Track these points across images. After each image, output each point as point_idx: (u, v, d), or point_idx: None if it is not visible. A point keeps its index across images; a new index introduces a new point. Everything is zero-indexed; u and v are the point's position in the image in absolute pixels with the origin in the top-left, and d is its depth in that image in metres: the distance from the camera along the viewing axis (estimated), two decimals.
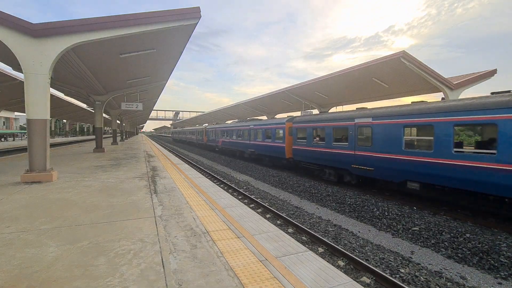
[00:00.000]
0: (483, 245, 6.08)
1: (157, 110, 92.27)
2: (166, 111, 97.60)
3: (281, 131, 16.78)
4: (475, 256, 5.86)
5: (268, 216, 8.47)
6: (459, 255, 6.00)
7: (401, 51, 11.75)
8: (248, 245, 3.68)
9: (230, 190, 12.03)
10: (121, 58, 10.95)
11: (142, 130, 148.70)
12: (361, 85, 16.50)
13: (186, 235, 3.93)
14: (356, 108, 11.85)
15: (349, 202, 9.67)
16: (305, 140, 14.07)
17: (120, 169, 10.34)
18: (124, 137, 42.20)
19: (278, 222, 7.94)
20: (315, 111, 22.12)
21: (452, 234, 6.71)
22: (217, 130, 29.99)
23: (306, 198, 11.05)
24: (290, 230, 7.32)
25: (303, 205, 10.03)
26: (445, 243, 6.47)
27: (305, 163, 14.42)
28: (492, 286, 4.98)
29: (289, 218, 7.85)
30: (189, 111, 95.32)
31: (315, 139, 13.50)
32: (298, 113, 25.01)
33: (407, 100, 17.11)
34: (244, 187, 12.79)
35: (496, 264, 5.49)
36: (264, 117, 32.17)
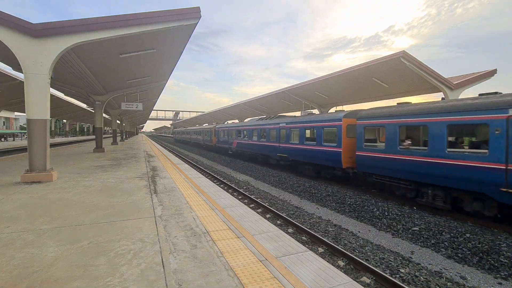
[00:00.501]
0: (483, 245, 6.08)
1: (157, 110, 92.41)
2: (166, 111, 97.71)
3: (333, 131, 12.35)
4: (475, 256, 5.85)
5: (268, 216, 8.47)
6: (459, 255, 6.00)
7: (401, 51, 11.75)
8: (248, 245, 3.68)
9: (230, 190, 12.03)
10: (121, 58, 10.96)
11: (142, 130, 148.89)
12: (361, 85, 16.50)
13: (186, 235, 3.93)
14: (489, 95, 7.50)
15: (349, 202, 9.67)
16: (383, 144, 9.84)
17: (120, 169, 10.34)
18: (124, 137, 42.21)
19: (278, 222, 7.94)
20: (315, 111, 22.12)
21: (452, 234, 6.70)
22: (231, 130, 25.26)
23: (306, 198, 11.05)
24: (290, 230, 7.32)
25: (303, 205, 10.03)
26: (445, 243, 6.47)
27: (380, 177, 10.05)
28: (492, 286, 4.97)
29: (289, 218, 7.85)
30: (189, 111, 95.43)
31: (405, 143, 8.98)
32: (298, 113, 24.98)
33: (407, 100, 17.06)
34: (244, 187, 12.79)
35: (496, 264, 5.49)
36: (296, 113, 25.65)
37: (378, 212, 8.53)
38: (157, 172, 9.66)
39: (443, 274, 5.30)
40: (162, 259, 3.16)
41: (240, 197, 10.82)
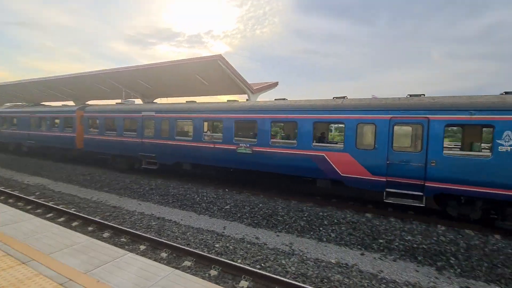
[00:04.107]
0: (269, 210, 8.34)
1: None
2: None
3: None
4: (264, 220, 7.90)
5: (75, 224, 6.95)
6: (255, 221, 7.86)
7: (219, 55, 13.33)
8: (41, 269, 2.86)
9: (11, 200, 8.67)
10: None
11: None
12: (185, 80, 17.12)
13: None
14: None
15: (172, 193, 9.91)
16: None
17: None
18: None
19: (90, 228, 6.75)
20: (138, 101, 20.44)
21: (251, 207, 8.63)
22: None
23: (126, 195, 10.12)
24: (105, 234, 6.44)
25: (123, 203, 9.13)
26: (247, 214, 8.24)
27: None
28: (273, 238, 6.95)
29: (104, 221, 6.88)
30: None
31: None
32: (118, 101, 21.99)
33: (224, 98, 19.64)
34: (37, 193, 9.70)
35: (276, 223, 7.71)
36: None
37: (198, 198, 9.38)
38: None
39: (245, 239, 6.76)
40: None
41: (29, 207, 8.10)
